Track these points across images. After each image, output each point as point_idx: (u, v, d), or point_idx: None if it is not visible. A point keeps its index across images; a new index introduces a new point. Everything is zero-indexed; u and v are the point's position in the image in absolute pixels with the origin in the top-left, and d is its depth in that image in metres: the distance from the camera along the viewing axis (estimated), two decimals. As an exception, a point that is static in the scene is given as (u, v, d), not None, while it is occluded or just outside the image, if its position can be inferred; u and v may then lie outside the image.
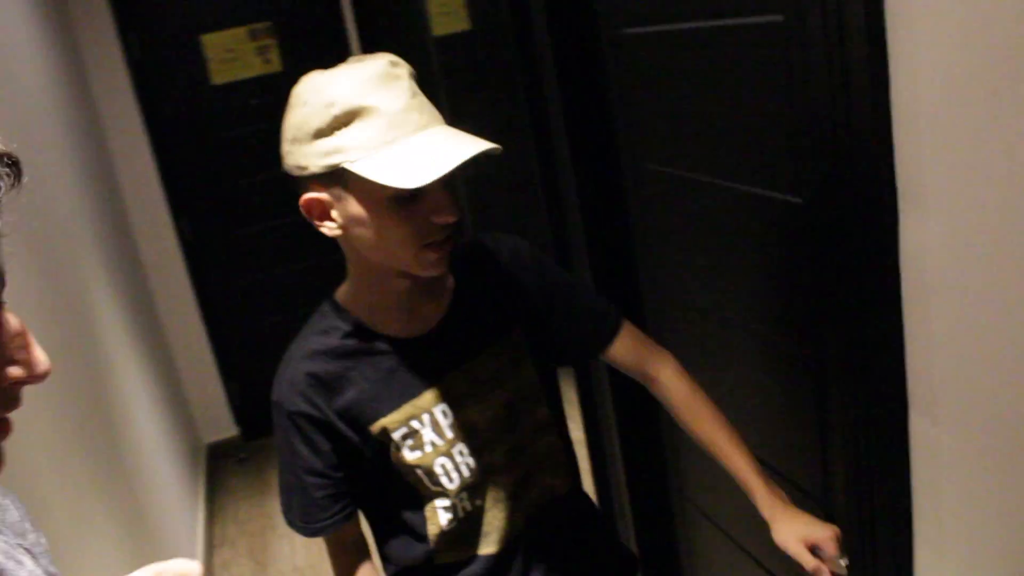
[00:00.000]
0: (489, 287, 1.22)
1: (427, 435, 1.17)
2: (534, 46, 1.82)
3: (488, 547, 1.23)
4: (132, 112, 3.90)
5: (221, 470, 4.31)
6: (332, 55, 4.34)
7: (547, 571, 1.26)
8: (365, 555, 1.27)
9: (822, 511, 1.32)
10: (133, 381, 3.05)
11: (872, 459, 1.08)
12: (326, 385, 1.18)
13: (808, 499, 1.36)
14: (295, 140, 1.09)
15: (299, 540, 3.53)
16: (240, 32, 4.01)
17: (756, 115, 1.23)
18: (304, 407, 1.17)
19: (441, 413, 1.18)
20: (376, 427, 1.17)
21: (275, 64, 4.10)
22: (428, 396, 1.19)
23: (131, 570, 0.82)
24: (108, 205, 3.55)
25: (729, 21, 1.24)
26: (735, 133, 1.30)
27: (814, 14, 1.00)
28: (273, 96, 4.09)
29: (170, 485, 3.26)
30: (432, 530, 1.21)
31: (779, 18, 1.10)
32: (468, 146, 1.03)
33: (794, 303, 1.26)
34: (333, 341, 1.20)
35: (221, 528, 3.78)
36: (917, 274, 0.95)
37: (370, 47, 4.04)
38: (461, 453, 1.17)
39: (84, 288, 2.63)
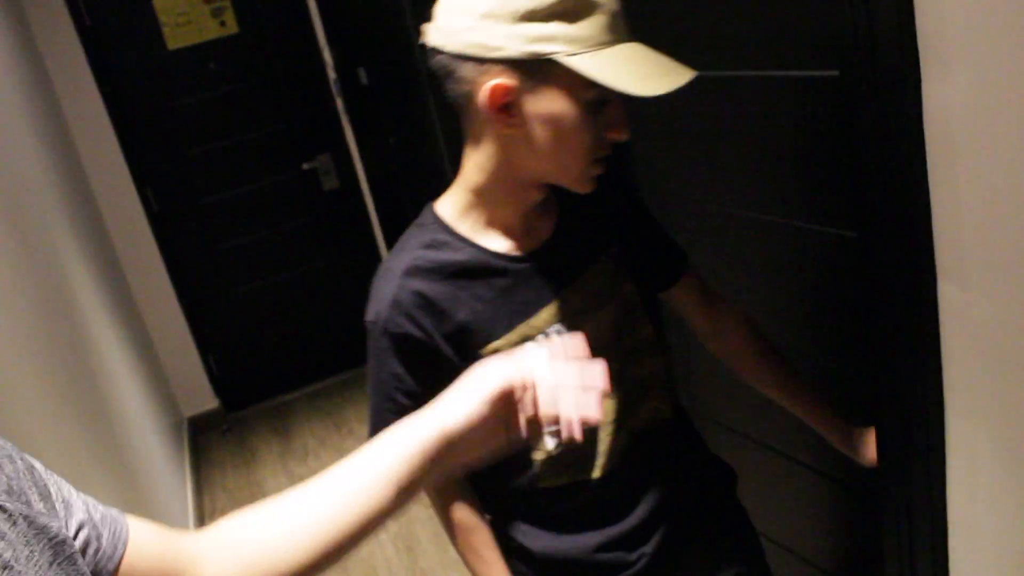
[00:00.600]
0: (589, 202, 1.15)
1: None
2: None
3: (594, 471, 1.18)
4: (87, 82, 3.79)
5: (205, 443, 4.26)
6: (289, 15, 4.27)
7: (654, 494, 1.22)
8: (463, 485, 1.23)
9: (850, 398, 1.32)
10: (112, 352, 2.98)
11: (903, 330, 1.07)
12: (435, 306, 1.10)
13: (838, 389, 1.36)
14: (491, 16, 0.97)
15: None
16: (193, -6, 3.90)
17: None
18: (410, 328, 1.10)
19: (556, 333, 1.12)
20: (487, 350, 1.10)
21: (231, 26, 4.01)
22: (544, 315, 1.13)
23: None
24: (71, 175, 3.45)
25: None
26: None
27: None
28: (231, 60, 4.03)
29: (156, 458, 3.21)
30: (538, 456, 1.17)
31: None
32: (682, 70, 0.99)
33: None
34: (443, 257, 1.11)
35: (211, 499, 3.74)
36: (943, 134, 0.94)
37: (327, 3, 3.95)
38: None
39: (58, 257, 2.56)
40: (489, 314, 1.11)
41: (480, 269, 1.11)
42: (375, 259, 4.55)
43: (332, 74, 4.19)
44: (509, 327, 1.12)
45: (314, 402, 4.42)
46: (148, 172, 4.02)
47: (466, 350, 1.11)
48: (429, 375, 1.08)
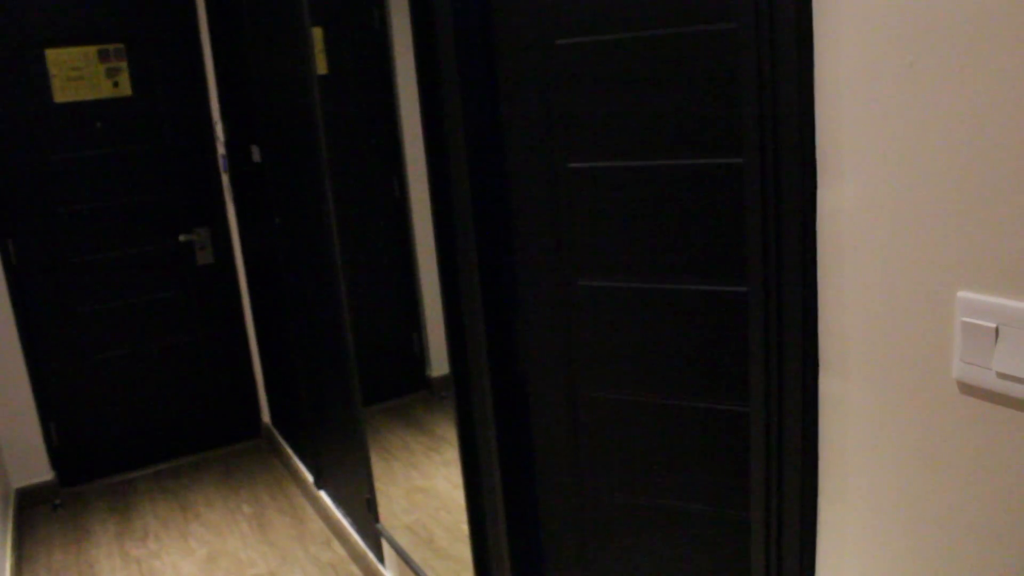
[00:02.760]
0: None
1: None
2: (437, 58, 1.86)
3: None
4: (-39, 123, 3.62)
5: (32, 517, 3.95)
6: (185, 85, 4.26)
7: None
8: None
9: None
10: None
11: (783, 420, 1.15)
12: None
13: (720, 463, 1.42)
14: None
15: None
16: (90, 51, 3.84)
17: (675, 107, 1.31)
18: None
19: None
20: None
21: (124, 88, 3.95)
22: None
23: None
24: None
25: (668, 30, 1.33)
26: (658, 124, 1.38)
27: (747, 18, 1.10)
28: (119, 122, 3.95)
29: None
30: None
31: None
32: None
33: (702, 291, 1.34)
34: None
35: (32, 577, 3.45)
36: (832, 234, 1.04)
37: (225, 79, 3.96)
38: None
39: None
40: None
41: None
42: (242, 340, 4.44)
43: (221, 149, 4.16)
44: None
45: (160, 482, 4.19)
46: (12, 223, 3.84)
47: None
48: None
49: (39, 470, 4.05)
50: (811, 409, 1.12)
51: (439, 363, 2.58)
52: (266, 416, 4.56)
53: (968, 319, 0.89)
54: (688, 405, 1.44)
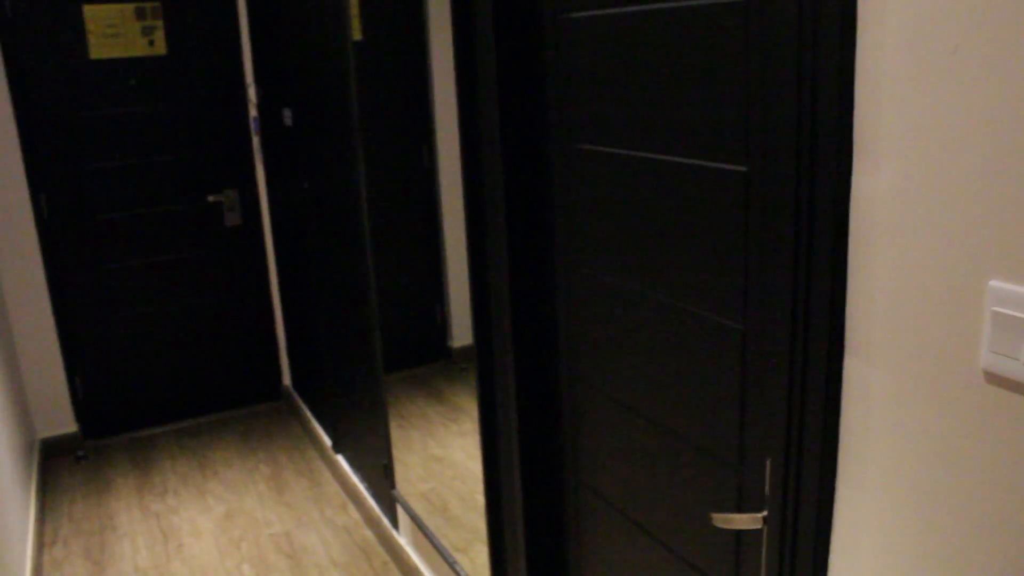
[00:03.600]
0: None
1: None
2: (474, 30, 1.86)
3: None
4: (-2, 74, 3.66)
5: (56, 467, 4.03)
6: (220, 46, 4.28)
7: None
8: None
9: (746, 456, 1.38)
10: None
11: (806, 400, 1.15)
12: None
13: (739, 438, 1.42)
14: None
15: (141, 539, 3.34)
16: (127, 8, 3.86)
17: (707, 87, 1.30)
18: None
19: None
20: None
21: (160, 47, 3.97)
22: None
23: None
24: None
25: (686, 3, 1.32)
26: (681, 107, 1.37)
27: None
28: (153, 80, 3.97)
29: None
30: None
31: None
32: None
33: (734, 274, 1.34)
34: None
35: (53, 527, 3.52)
36: (867, 218, 1.03)
37: (260, 42, 3.97)
38: None
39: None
40: None
41: None
42: (266, 302, 4.47)
43: (253, 111, 4.18)
44: None
45: (180, 439, 4.25)
46: (45, 177, 3.88)
47: None
48: None
49: (63, 422, 4.12)
50: (834, 391, 1.12)
51: (461, 334, 2.60)
52: (287, 379, 4.60)
53: (999, 308, 0.88)
54: (704, 390, 1.44)
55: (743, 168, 1.25)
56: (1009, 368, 0.88)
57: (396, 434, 3.10)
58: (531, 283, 1.92)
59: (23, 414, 3.88)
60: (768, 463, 1.26)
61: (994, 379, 0.91)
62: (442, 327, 2.74)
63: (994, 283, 0.89)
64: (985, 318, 0.91)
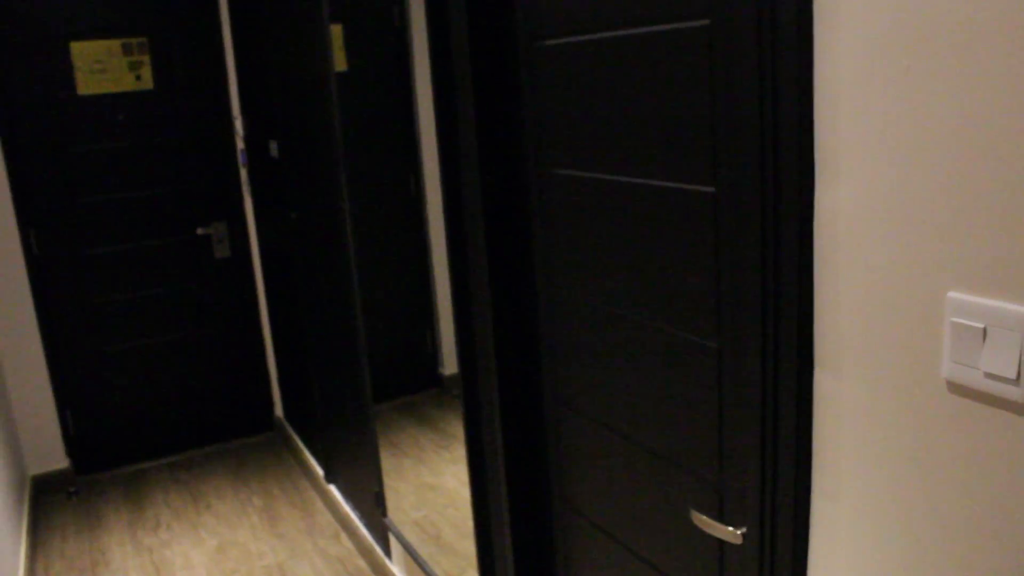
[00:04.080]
0: None
1: None
2: (450, 55, 1.89)
3: None
4: (-14, 114, 3.68)
5: (47, 504, 4.01)
6: (207, 81, 4.31)
7: None
8: None
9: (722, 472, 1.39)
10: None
11: (779, 415, 1.16)
12: None
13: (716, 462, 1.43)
14: None
15: (134, 574, 3.32)
16: (113, 45, 3.90)
17: (674, 110, 1.33)
18: None
19: None
20: None
21: (147, 82, 4.00)
22: None
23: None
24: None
25: (652, 28, 1.35)
26: (651, 131, 1.40)
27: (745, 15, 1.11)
28: (141, 114, 4.01)
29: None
30: None
31: (706, 22, 1.22)
32: None
33: (707, 294, 1.36)
34: None
35: (45, 564, 3.50)
36: (830, 234, 1.05)
37: (245, 75, 4.00)
38: None
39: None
40: None
41: None
42: (257, 334, 4.48)
43: (240, 144, 4.21)
44: None
45: (173, 472, 4.24)
46: (34, 213, 3.90)
47: None
48: None
49: (55, 458, 4.11)
50: (805, 405, 1.13)
51: (452, 361, 2.61)
52: (279, 410, 4.60)
53: (957, 319, 0.90)
54: (679, 391, 1.45)
55: (711, 189, 1.27)
56: (969, 377, 0.90)
57: (388, 462, 3.10)
58: (513, 308, 1.93)
59: (14, 451, 3.87)
60: (746, 479, 1.28)
61: (956, 388, 0.93)
62: (432, 354, 2.75)
63: (953, 294, 0.91)
64: (945, 329, 0.92)
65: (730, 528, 1.34)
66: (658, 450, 1.53)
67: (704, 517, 1.40)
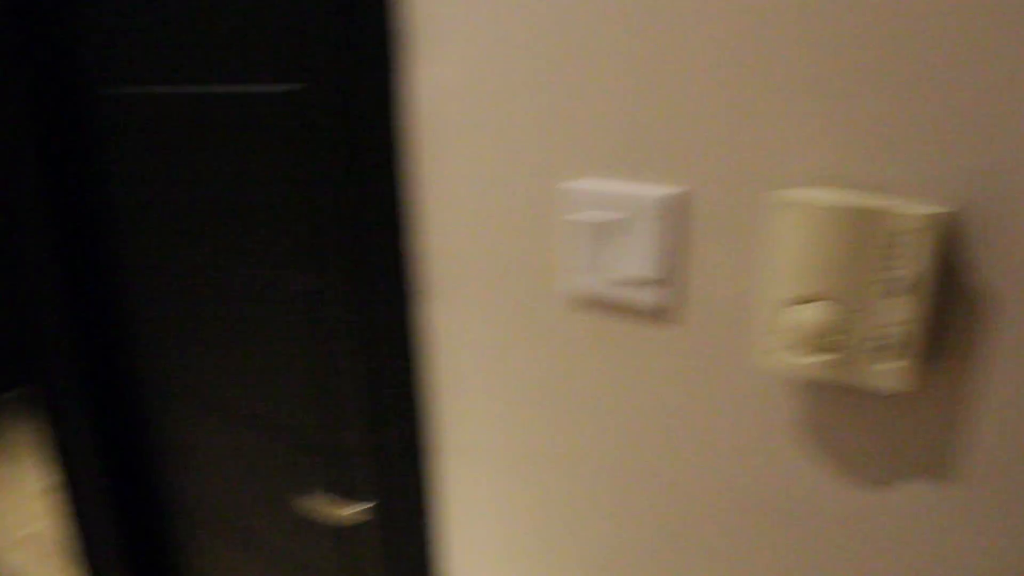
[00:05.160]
0: None
1: None
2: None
3: None
4: None
5: None
6: None
7: None
8: None
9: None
10: None
11: (382, 363, 0.94)
12: None
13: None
14: None
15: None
16: None
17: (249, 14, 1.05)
18: None
19: None
20: None
21: None
22: None
23: None
24: None
25: None
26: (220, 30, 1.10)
27: None
28: None
29: None
30: None
31: None
32: None
33: (300, 221, 1.10)
34: None
35: None
36: (427, 121, 0.84)
37: None
38: None
39: None
40: None
41: None
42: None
43: None
44: None
45: None
46: None
47: None
48: None
49: None
50: (413, 347, 0.92)
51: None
52: None
53: (573, 216, 0.72)
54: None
55: (297, 86, 1.01)
56: (594, 287, 0.73)
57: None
58: (92, 295, 1.55)
59: None
60: (362, 449, 1.05)
61: (579, 303, 0.76)
62: None
63: (565, 185, 0.73)
64: (559, 229, 0.75)
65: (349, 508, 1.11)
66: (268, 421, 1.27)
67: (318, 497, 1.17)
